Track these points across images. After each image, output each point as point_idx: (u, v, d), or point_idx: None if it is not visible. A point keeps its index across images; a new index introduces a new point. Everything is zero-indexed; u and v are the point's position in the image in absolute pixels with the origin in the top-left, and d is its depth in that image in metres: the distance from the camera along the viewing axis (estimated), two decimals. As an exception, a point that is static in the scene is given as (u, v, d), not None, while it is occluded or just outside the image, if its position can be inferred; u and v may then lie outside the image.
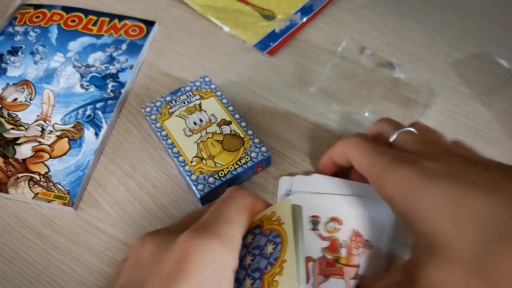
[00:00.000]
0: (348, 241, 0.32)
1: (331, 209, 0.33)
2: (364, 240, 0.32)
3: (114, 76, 0.44)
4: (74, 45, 0.47)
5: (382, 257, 0.32)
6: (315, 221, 0.33)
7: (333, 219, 0.33)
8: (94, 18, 0.49)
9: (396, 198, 0.27)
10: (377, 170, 0.28)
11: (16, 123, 0.41)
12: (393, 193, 0.27)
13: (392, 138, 0.31)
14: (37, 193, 0.37)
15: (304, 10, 0.50)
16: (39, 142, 0.40)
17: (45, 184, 0.37)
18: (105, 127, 0.41)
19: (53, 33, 0.48)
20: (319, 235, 0.33)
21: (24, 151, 0.39)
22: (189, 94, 0.41)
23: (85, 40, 0.47)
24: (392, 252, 0.33)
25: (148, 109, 0.41)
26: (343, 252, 0.32)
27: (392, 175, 0.27)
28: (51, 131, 0.40)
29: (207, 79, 0.42)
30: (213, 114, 0.40)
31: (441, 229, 0.24)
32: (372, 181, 0.29)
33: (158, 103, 0.41)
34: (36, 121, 0.41)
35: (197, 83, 0.42)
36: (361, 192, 0.34)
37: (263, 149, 0.37)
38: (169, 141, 0.38)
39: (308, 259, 0.32)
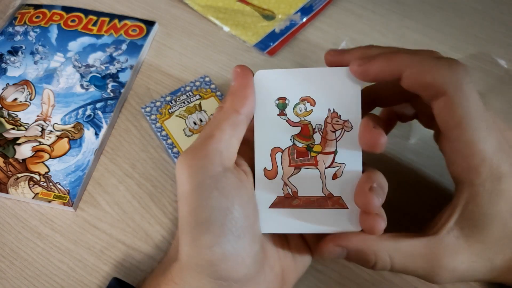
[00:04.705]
0: (323, 124, 0.27)
1: (301, 87, 0.28)
2: (342, 121, 0.27)
3: (114, 76, 0.44)
4: (74, 45, 0.47)
5: (356, 139, 0.27)
6: (282, 104, 0.28)
7: (304, 100, 0.28)
8: (94, 18, 0.49)
9: None
10: None
11: (16, 123, 0.41)
12: None
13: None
14: (37, 193, 0.37)
15: (304, 10, 0.50)
16: (39, 142, 0.40)
17: (45, 184, 0.37)
18: (105, 127, 0.41)
19: (53, 33, 0.48)
20: (288, 120, 0.28)
21: (24, 151, 0.39)
22: (189, 94, 0.41)
23: (85, 40, 0.47)
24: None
25: (148, 109, 0.41)
26: (317, 138, 0.27)
27: None
28: (51, 131, 0.41)
29: (207, 79, 0.42)
30: (213, 114, 0.40)
31: None
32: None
33: (158, 103, 0.41)
34: (36, 121, 0.41)
35: (197, 83, 0.42)
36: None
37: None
38: (169, 141, 0.39)
39: (276, 149, 0.28)
